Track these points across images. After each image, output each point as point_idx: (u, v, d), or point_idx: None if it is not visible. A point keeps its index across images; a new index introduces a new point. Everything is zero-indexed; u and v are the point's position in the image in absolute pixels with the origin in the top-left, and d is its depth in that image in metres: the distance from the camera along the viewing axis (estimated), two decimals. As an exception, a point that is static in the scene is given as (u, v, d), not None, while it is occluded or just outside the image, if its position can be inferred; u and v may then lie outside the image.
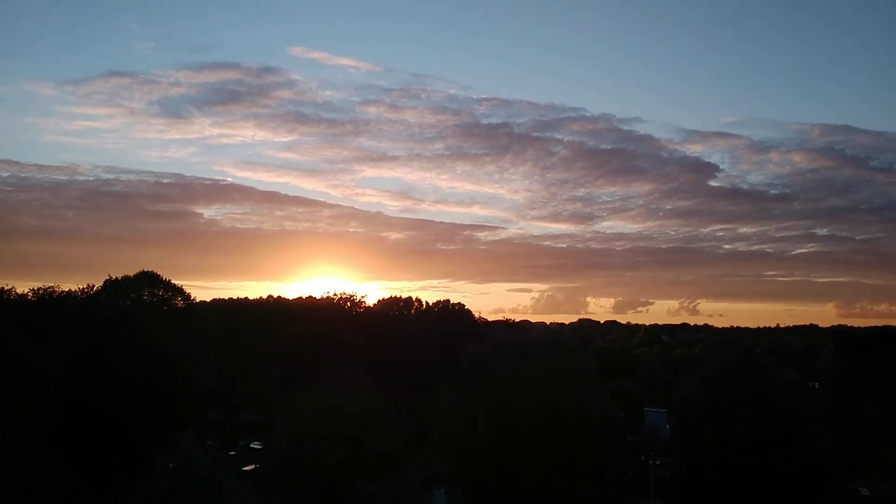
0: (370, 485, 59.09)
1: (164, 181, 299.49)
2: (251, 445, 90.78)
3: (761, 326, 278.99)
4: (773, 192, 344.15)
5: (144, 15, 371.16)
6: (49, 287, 73.95)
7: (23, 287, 76.56)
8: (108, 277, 66.59)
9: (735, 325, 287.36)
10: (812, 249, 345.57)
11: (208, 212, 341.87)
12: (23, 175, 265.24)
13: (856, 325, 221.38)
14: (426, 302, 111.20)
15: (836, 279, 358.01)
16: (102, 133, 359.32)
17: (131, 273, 66.94)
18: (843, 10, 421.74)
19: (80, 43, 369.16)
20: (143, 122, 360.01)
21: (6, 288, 73.65)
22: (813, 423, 51.57)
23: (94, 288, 68.12)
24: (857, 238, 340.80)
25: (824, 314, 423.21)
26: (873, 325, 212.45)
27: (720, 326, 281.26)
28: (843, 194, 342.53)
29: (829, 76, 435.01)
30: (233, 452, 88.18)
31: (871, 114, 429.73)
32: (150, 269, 68.04)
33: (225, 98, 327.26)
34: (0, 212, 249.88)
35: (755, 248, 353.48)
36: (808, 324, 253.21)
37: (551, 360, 53.20)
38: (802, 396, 55.80)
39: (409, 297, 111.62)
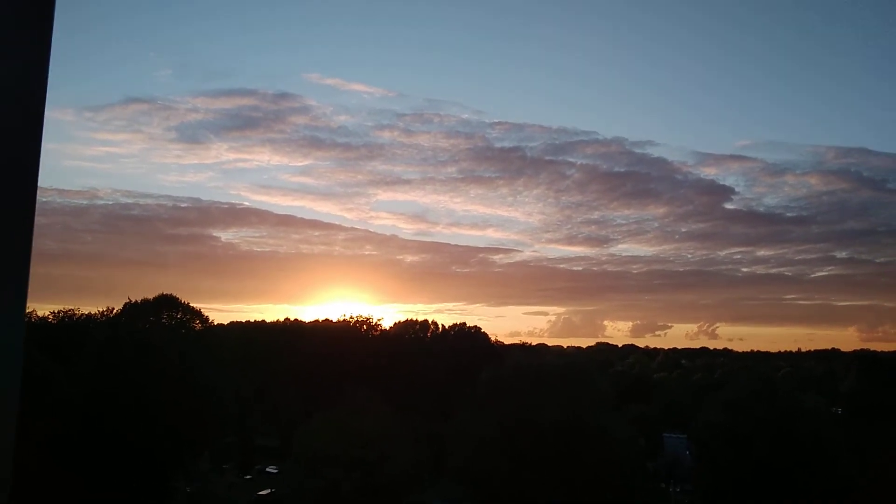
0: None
1: (182, 205, 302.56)
2: (267, 469, 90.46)
3: (782, 350, 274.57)
4: (789, 214, 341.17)
5: (162, 43, 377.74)
6: (69, 310, 74.77)
7: (43, 310, 77.45)
8: (127, 300, 67.28)
9: (755, 349, 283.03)
10: (832, 272, 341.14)
11: (225, 235, 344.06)
12: (44, 199, 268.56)
13: (879, 350, 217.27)
14: (442, 325, 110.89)
15: (857, 302, 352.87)
16: (121, 158, 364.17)
17: (150, 296, 67.57)
18: (856, 33, 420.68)
19: (99, 70, 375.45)
20: (162, 147, 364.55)
21: (28, 311, 74.43)
22: (836, 449, 50.60)
23: (114, 311, 68.77)
24: (877, 261, 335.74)
25: (846, 338, 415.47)
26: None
27: (740, 350, 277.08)
28: (860, 217, 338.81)
29: (842, 98, 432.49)
30: (248, 476, 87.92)
31: (886, 136, 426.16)
32: (168, 292, 68.68)
33: (241, 124, 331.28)
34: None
35: (773, 271, 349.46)
36: (829, 348, 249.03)
37: (570, 383, 52.69)
38: (825, 422, 54.83)
39: (426, 320, 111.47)
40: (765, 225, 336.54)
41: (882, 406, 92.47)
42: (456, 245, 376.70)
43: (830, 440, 50.17)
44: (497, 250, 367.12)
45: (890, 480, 70.38)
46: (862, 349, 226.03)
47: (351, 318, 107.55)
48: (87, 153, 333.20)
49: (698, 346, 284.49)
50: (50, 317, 73.98)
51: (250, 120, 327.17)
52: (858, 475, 50.68)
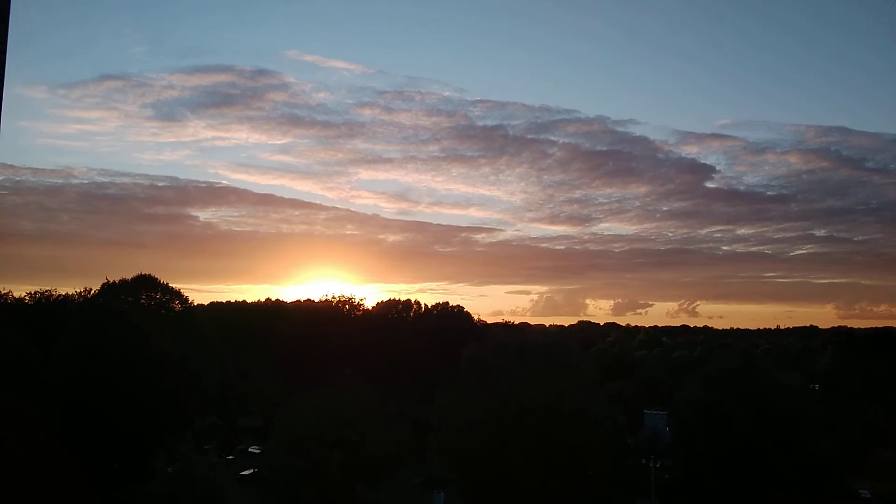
0: (369, 489, 58.79)
1: (159, 184, 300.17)
2: (249, 450, 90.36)
3: (761, 328, 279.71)
4: (769, 193, 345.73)
5: (137, 19, 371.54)
6: (46, 290, 73.85)
7: (20, 291, 76.42)
8: (105, 280, 66.41)
9: (735, 327, 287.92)
10: (810, 250, 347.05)
11: (204, 214, 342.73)
12: (17, 178, 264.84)
13: (856, 327, 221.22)
14: (425, 304, 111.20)
15: (836, 280, 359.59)
16: (96, 136, 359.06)
17: (128, 276, 66.75)
18: (837, 12, 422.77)
19: (72, 47, 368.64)
20: (137, 125, 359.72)
21: (3, 291, 73.48)
22: (813, 425, 51.37)
23: (92, 291, 67.91)
24: (855, 239, 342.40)
25: (824, 315, 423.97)
26: (873, 325, 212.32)
27: (720, 328, 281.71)
28: (839, 195, 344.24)
29: (823, 78, 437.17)
30: (231, 457, 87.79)
31: (865, 115, 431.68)
32: (147, 273, 67.83)
33: (218, 101, 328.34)
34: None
35: (754, 249, 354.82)
36: (807, 325, 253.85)
37: (552, 362, 52.88)
38: (802, 399, 55.61)
39: (408, 300, 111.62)
40: (745, 203, 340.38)
41: (857, 383, 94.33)
42: (438, 224, 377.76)
43: (807, 417, 50.91)
44: (479, 229, 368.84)
45: (862, 455, 71.94)
46: (839, 326, 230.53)
47: (333, 298, 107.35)
48: (61, 131, 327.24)
49: (679, 324, 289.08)
50: (27, 298, 73.00)
51: (228, 97, 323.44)
52: (833, 450, 51.60)
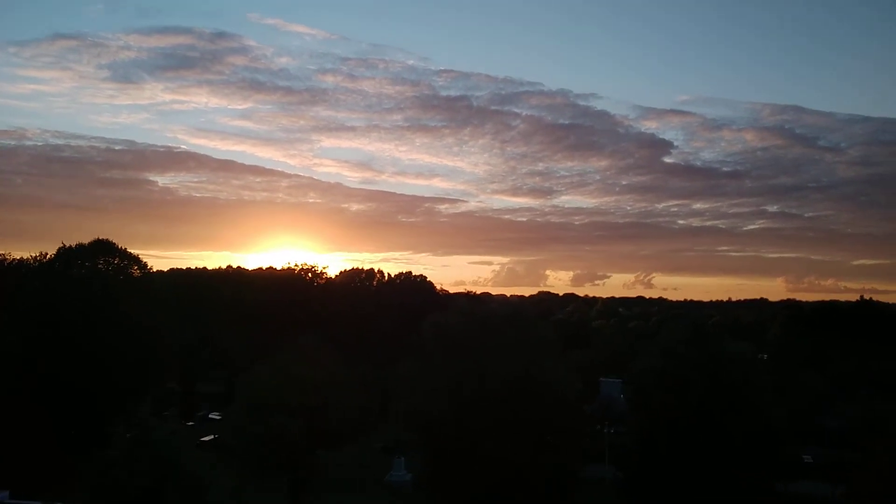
0: (331, 454, 59.48)
1: (116, 147, 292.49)
2: (210, 416, 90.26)
3: (714, 300, 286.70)
4: (725, 169, 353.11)
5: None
6: (0, 254, 71.79)
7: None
8: (61, 245, 64.95)
9: (688, 299, 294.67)
10: (763, 226, 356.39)
11: (163, 179, 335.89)
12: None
13: (804, 300, 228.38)
14: (388, 274, 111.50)
15: (786, 255, 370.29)
16: (50, 97, 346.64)
17: (85, 241, 65.43)
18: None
19: (24, 3, 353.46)
20: (93, 86, 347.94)
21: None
22: (762, 393, 53.38)
23: (48, 256, 66.32)
24: (806, 215, 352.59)
25: (774, 288, 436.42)
26: (820, 299, 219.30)
27: (674, 299, 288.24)
28: (792, 173, 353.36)
29: (779, 57, 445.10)
30: (191, 423, 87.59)
31: (819, 95, 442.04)
32: (104, 238, 66.57)
33: (177, 63, 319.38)
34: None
35: (708, 223, 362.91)
36: (758, 298, 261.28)
37: (514, 331, 53.77)
38: (752, 368, 57.63)
39: (371, 269, 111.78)
40: (701, 178, 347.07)
41: (804, 353, 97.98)
42: (402, 194, 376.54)
43: (756, 385, 52.89)
44: (443, 200, 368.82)
45: (808, 422, 75.14)
46: (789, 299, 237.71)
47: (296, 266, 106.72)
48: (13, 91, 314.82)
49: (635, 296, 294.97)
50: (-22, 262, 70.84)
51: (186, 59, 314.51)
52: (780, 418, 53.85)
